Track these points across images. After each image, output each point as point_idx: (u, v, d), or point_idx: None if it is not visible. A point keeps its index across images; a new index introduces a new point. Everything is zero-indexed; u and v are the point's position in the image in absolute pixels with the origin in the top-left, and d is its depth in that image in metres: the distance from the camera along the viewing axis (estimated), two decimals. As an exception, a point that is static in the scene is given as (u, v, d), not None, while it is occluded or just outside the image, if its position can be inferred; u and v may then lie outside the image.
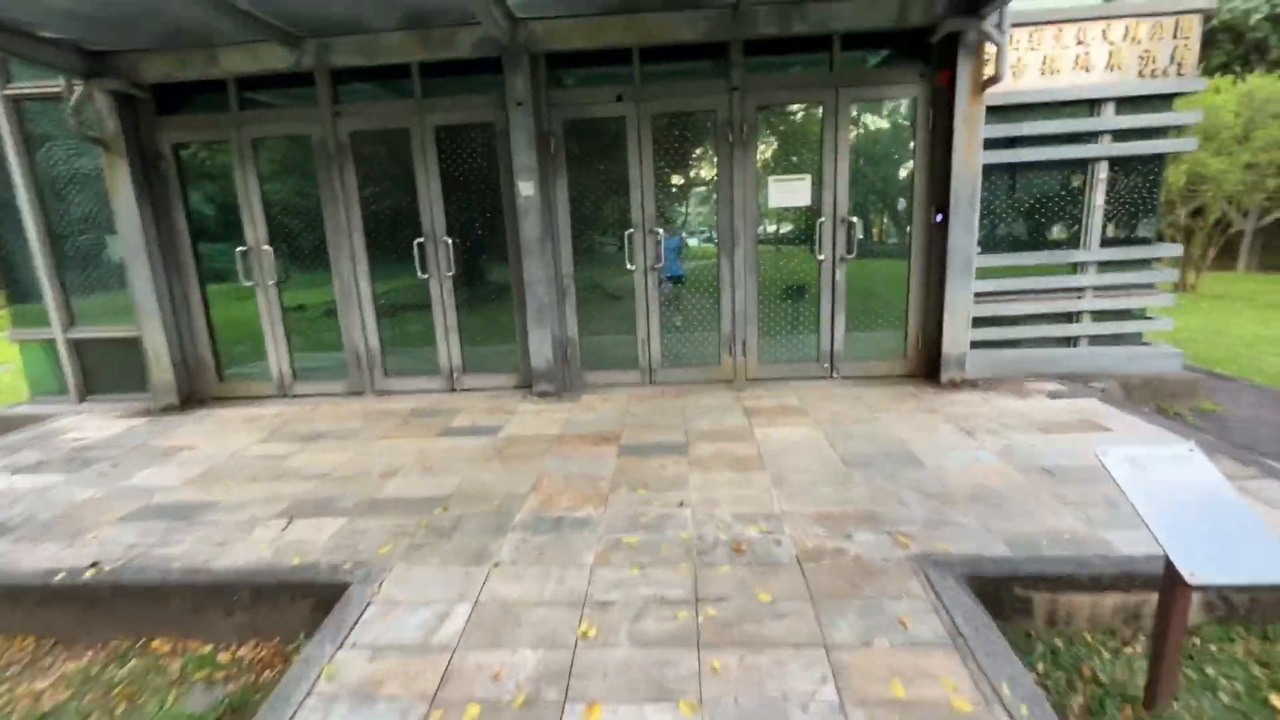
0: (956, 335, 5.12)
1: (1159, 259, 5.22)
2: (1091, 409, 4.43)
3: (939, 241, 5.18)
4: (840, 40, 4.98)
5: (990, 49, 4.71)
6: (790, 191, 5.26)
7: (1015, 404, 4.63)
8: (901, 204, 5.28)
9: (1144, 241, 5.20)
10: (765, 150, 5.27)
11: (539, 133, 5.09)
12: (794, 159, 5.28)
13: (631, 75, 5.12)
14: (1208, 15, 4.82)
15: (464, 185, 5.38)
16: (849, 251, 5.26)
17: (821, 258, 5.30)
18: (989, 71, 4.73)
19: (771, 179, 5.25)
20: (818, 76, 5.07)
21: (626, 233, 5.30)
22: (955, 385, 5.15)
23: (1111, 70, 4.90)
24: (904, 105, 5.10)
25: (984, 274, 5.16)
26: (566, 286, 5.47)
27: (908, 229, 5.26)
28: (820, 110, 5.11)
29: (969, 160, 4.86)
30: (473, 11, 4.25)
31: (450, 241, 5.38)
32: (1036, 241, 5.27)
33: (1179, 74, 4.86)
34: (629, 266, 5.35)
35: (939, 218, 5.13)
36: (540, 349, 5.32)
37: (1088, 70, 4.91)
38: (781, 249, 5.41)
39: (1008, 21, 4.52)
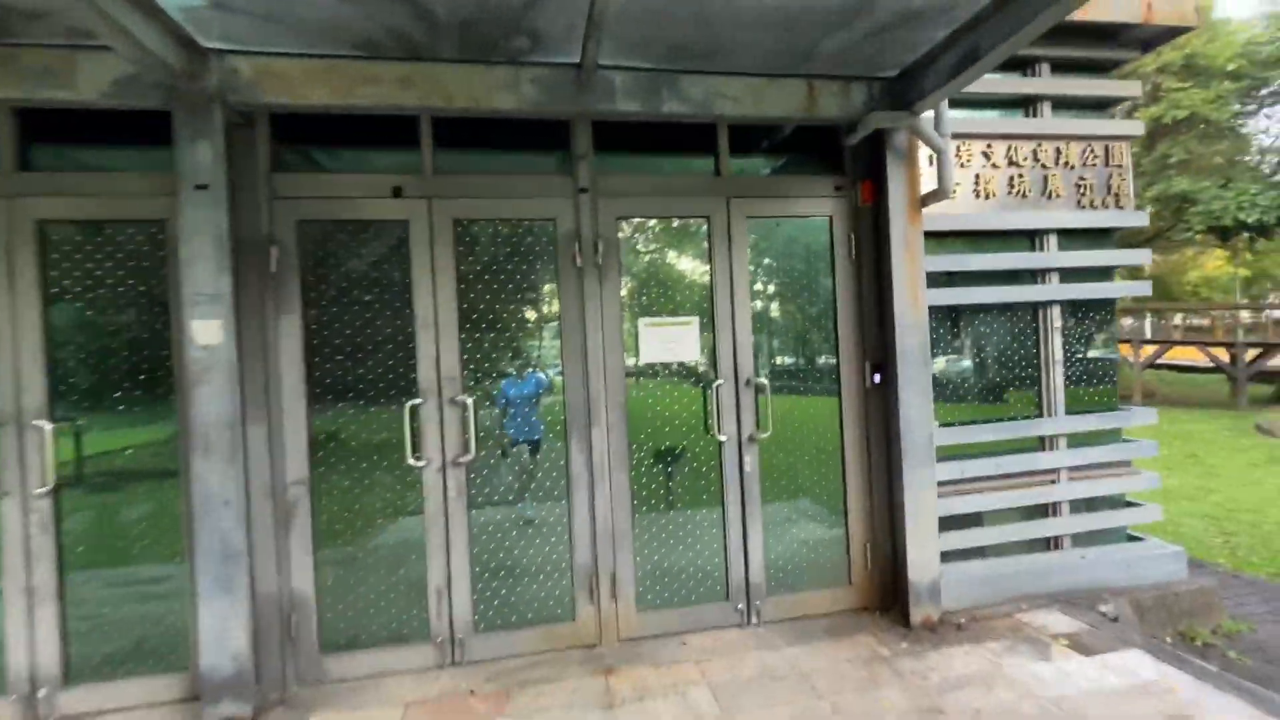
0: (924, 552, 3.43)
1: (1131, 429, 4.08)
2: (1156, 681, 2.81)
3: (880, 412, 3.62)
4: (729, 133, 3.54)
5: (926, 155, 3.50)
6: (670, 341, 3.48)
7: (1039, 671, 2.90)
8: (825, 358, 3.71)
9: (1107, 405, 4.06)
10: (634, 281, 3.52)
11: (242, 238, 2.90)
12: (675, 295, 3.57)
13: (419, 160, 3.22)
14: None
15: (92, 326, 2.93)
16: (760, 428, 3.51)
17: (722, 438, 3.48)
18: (928, 184, 3.48)
19: (643, 322, 3.46)
20: (702, 181, 3.54)
21: (409, 404, 3.11)
22: (932, 628, 3.37)
23: (1050, 197, 3.91)
24: (818, 225, 3.69)
25: (937, 454, 3.62)
26: (295, 502, 3.05)
27: (836, 392, 3.65)
28: (706, 226, 3.52)
29: (914, 301, 3.46)
30: (97, 28, 2.13)
31: (47, 428, 2.80)
32: (993, 408, 3.92)
33: (1118, 206, 3.99)
34: (413, 461, 3.11)
35: (876, 378, 3.60)
36: (225, 632, 2.74)
37: (1024, 196, 3.88)
38: (665, 426, 3.52)
39: (948, 122, 3.34)
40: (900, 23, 2.81)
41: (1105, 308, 4.09)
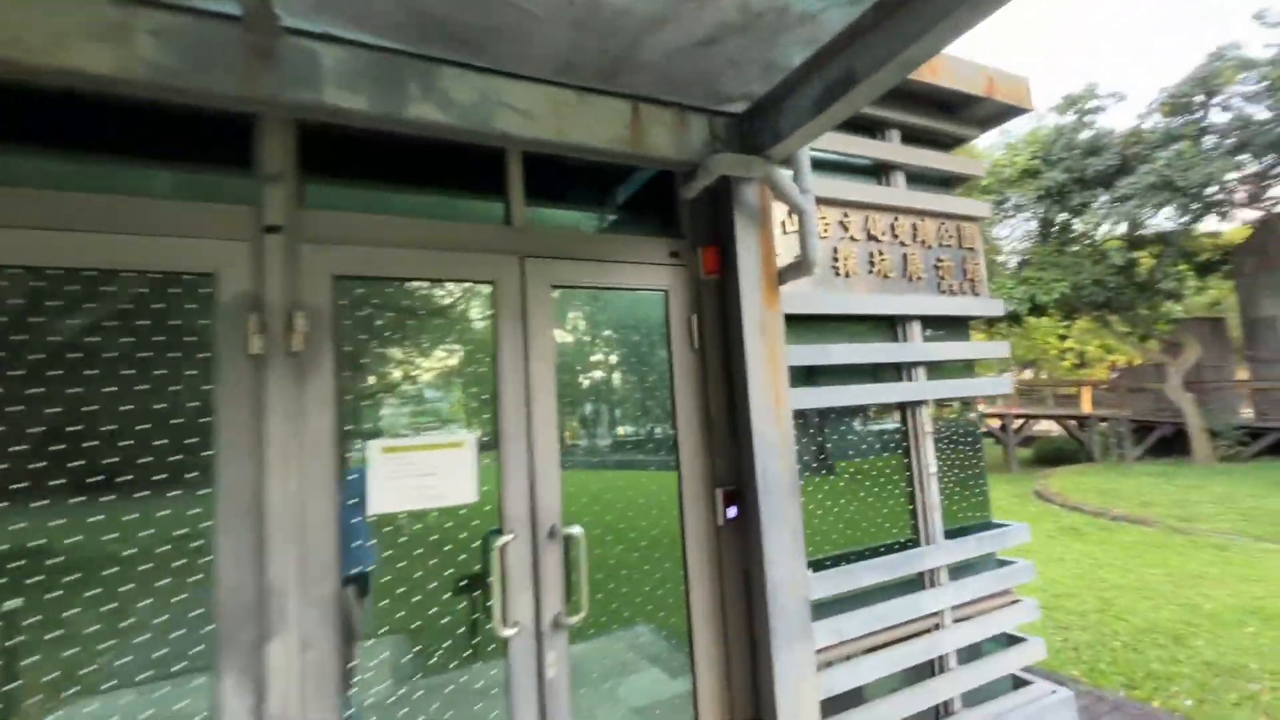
0: (808, 775, 2.36)
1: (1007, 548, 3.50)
2: None
3: (737, 560, 2.58)
4: (525, 166, 2.45)
5: (781, 218, 2.70)
6: (426, 476, 2.17)
7: None
8: (664, 487, 2.62)
9: (981, 518, 3.46)
10: (362, 378, 2.18)
11: None
12: (436, 400, 2.29)
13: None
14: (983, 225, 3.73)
15: None
16: (570, 604, 2.27)
17: (509, 631, 2.17)
18: (786, 255, 2.66)
19: (376, 447, 2.11)
20: (485, 233, 2.37)
21: None
22: None
23: (911, 279, 3.34)
24: (651, 302, 2.68)
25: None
26: None
27: (680, 532, 2.57)
28: (491, 294, 2.34)
29: (777, 408, 2.54)
30: None
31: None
32: (864, 533, 3.10)
33: (974, 292, 3.55)
34: None
35: (731, 512, 2.59)
36: None
37: (886, 276, 3.26)
38: (412, 618, 2.13)
39: (810, 176, 2.56)
40: (743, 25, 1.96)
41: (970, 405, 3.57)
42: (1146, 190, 13.57)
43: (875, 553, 3.05)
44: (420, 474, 2.16)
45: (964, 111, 3.59)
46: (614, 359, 2.61)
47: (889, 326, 3.35)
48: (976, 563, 3.34)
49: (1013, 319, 17.57)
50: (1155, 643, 5.21)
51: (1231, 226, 17.61)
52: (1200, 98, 14.24)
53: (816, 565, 2.84)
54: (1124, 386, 18.76)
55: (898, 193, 3.37)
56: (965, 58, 3.38)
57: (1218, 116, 14.25)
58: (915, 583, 3.11)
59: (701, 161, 2.45)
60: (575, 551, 2.28)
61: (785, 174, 2.48)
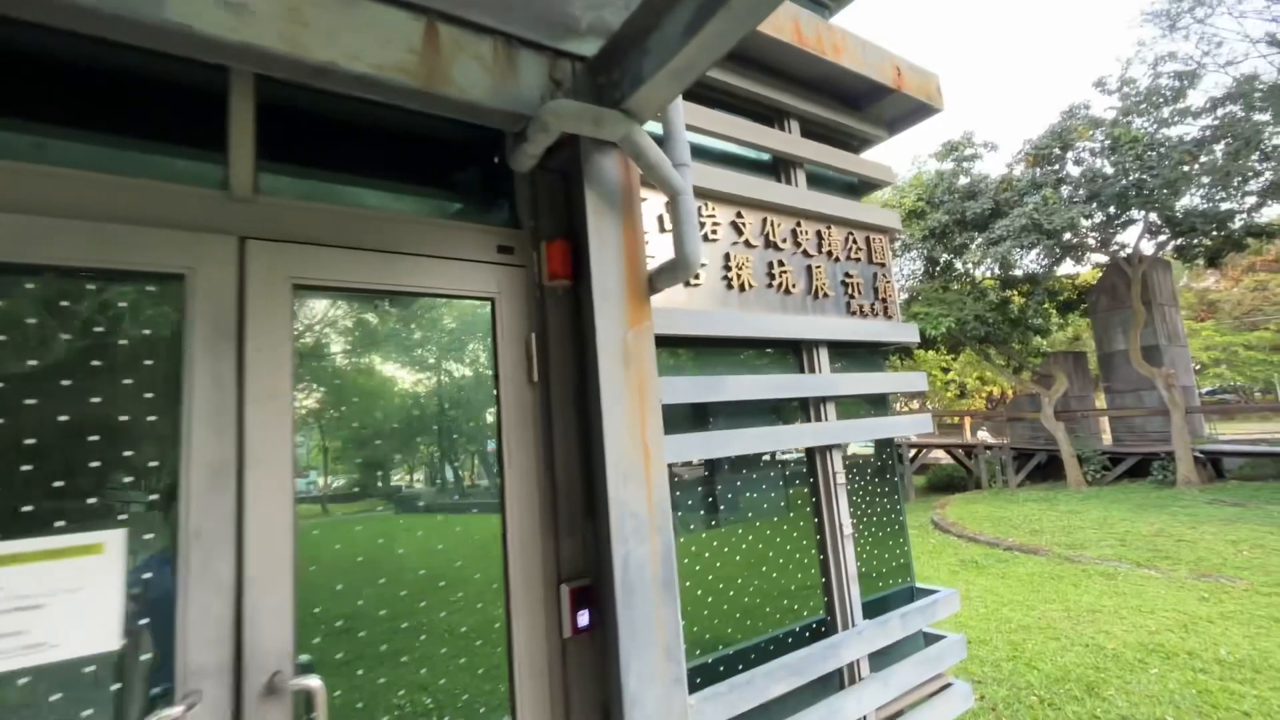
0: None
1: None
2: None
3: (591, 687, 1.77)
4: (257, 102, 1.59)
5: (660, 204, 2.00)
6: (14, 611, 1.21)
7: None
8: (482, 576, 1.77)
9: (902, 583, 2.87)
10: None
11: None
12: (77, 475, 1.33)
13: None
14: (893, 237, 3.25)
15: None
16: (301, 807, 1.35)
17: None
18: (659, 254, 1.95)
19: None
20: (181, 200, 1.47)
21: None
22: None
23: (817, 296, 2.75)
24: (472, 315, 1.87)
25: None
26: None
27: (506, 653, 1.72)
28: (183, 292, 1.44)
29: (646, 465, 1.78)
30: None
31: None
32: (767, 620, 2.39)
33: (886, 315, 3.02)
34: None
35: (584, 619, 1.78)
36: None
37: (788, 291, 2.65)
38: None
39: (686, 144, 1.87)
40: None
41: (888, 448, 3.01)
42: (1018, 232, 14.49)
43: (781, 645, 2.34)
44: (8, 608, 1.20)
45: (871, 106, 3.12)
46: (411, 399, 1.76)
47: (793, 353, 2.73)
48: (904, 642, 2.72)
49: (904, 352, 18.28)
50: (1070, 694, 4.89)
51: (1086, 269, 19.37)
52: (1058, 150, 15.56)
53: (704, 675, 2.08)
54: (1004, 416, 19.90)
55: (801, 193, 2.80)
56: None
57: (1073, 169, 15.61)
58: (831, 681, 2.42)
59: (535, 114, 1.70)
60: (313, 713, 1.37)
61: (649, 145, 1.78)
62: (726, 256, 2.47)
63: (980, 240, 16.63)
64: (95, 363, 1.35)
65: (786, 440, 2.43)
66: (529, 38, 1.77)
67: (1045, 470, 17.20)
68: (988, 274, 17.74)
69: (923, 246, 18.27)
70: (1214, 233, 14.41)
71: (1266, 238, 14.33)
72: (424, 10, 1.60)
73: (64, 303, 1.34)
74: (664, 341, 2.23)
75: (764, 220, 2.65)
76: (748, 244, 2.56)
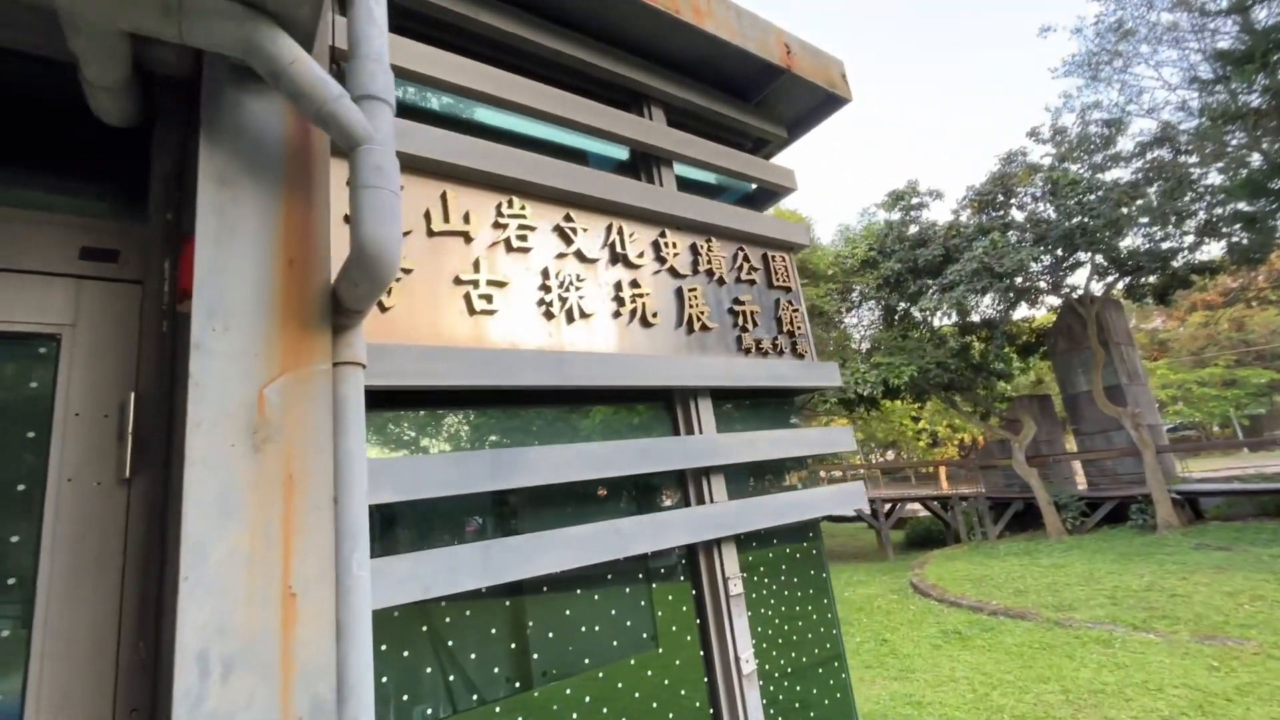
0: None
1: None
2: None
3: None
4: None
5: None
6: None
7: None
8: None
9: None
10: None
11: None
12: None
13: None
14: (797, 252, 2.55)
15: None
16: None
17: None
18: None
19: None
20: None
21: None
22: None
23: (693, 329, 2.00)
24: (19, 372, 1.05)
25: None
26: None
27: None
28: None
29: (288, 637, 0.94)
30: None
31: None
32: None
33: (796, 353, 2.28)
34: None
35: None
36: None
37: (647, 323, 1.89)
38: None
39: (376, 54, 1.14)
40: None
41: (809, 530, 2.20)
42: (970, 276, 14.35)
43: None
44: None
45: (763, 96, 2.50)
46: None
47: (665, 408, 1.96)
48: (843, 832, 1.83)
49: (870, 403, 17.76)
50: (1083, 819, 3.94)
51: (1041, 312, 19.41)
52: (1001, 196, 15.72)
53: None
54: (976, 464, 19.34)
55: (667, 195, 2.10)
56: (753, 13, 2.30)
57: (1017, 213, 15.75)
58: None
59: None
60: None
61: (304, 55, 1.04)
62: (545, 273, 1.72)
63: (934, 286, 16.51)
64: None
65: (641, 537, 1.62)
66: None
67: (1023, 519, 16.49)
68: (945, 320, 17.58)
69: (879, 295, 18.14)
70: (1159, 271, 14.47)
71: (1209, 274, 14.41)
72: None
73: None
74: (421, 398, 1.43)
75: (609, 227, 1.92)
76: (581, 257, 1.82)
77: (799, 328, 2.35)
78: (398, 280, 1.45)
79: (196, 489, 0.92)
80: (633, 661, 1.66)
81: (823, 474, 24.54)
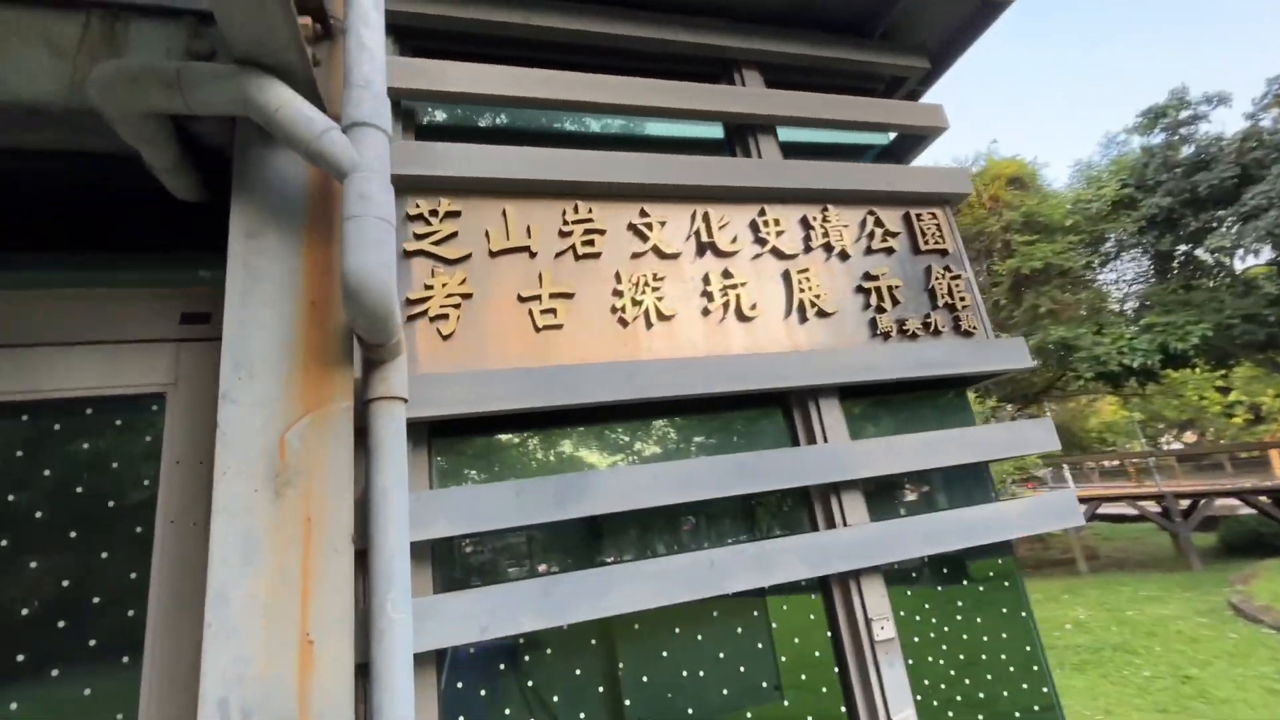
0: None
1: None
2: None
3: None
4: None
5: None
6: None
7: None
8: None
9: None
10: None
11: None
12: None
13: None
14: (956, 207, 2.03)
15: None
16: None
17: None
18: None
19: None
20: None
21: None
22: None
23: (807, 318, 1.69)
24: (134, 430, 1.23)
25: None
26: None
27: None
28: None
29: (305, 686, 0.92)
30: None
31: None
32: None
33: (961, 330, 1.80)
34: None
35: None
36: None
37: (744, 317, 1.63)
38: None
39: (365, 76, 1.09)
40: None
41: (997, 557, 1.72)
42: (1288, 195, 10.80)
43: None
44: None
45: (885, 25, 2.06)
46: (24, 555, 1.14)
47: (782, 413, 1.68)
48: None
49: (1144, 375, 14.28)
50: None
51: None
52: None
53: None
54: (1324, 445, 14.44)
55: (766, 167, 1.82)
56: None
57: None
58: None
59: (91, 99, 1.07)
60: None
61: (293, 98, 1.04)
62: (617, 277, 1.58)
63: (1229, 218, 12.78)
64: None
65: (739, 571, 1.37)
66: (149, 2, 1.17)
67: None
68: (1252, 259, 13.46)
69: (1143, 241, 14.61)
70: None
71: None
72: (-48, -8, 1.09)
73: None
74: (479, 425, 1.38)
75: (694, 215, 1.71)
76: (660, 253, 1.64)
77: (962, 299, 1.86)
78: (456, 306, 1.42)
79: (220, 536, 0.95)
80: (750, 715, 1.41)
81: (1082, 467, 20.32)
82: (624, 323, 1.54)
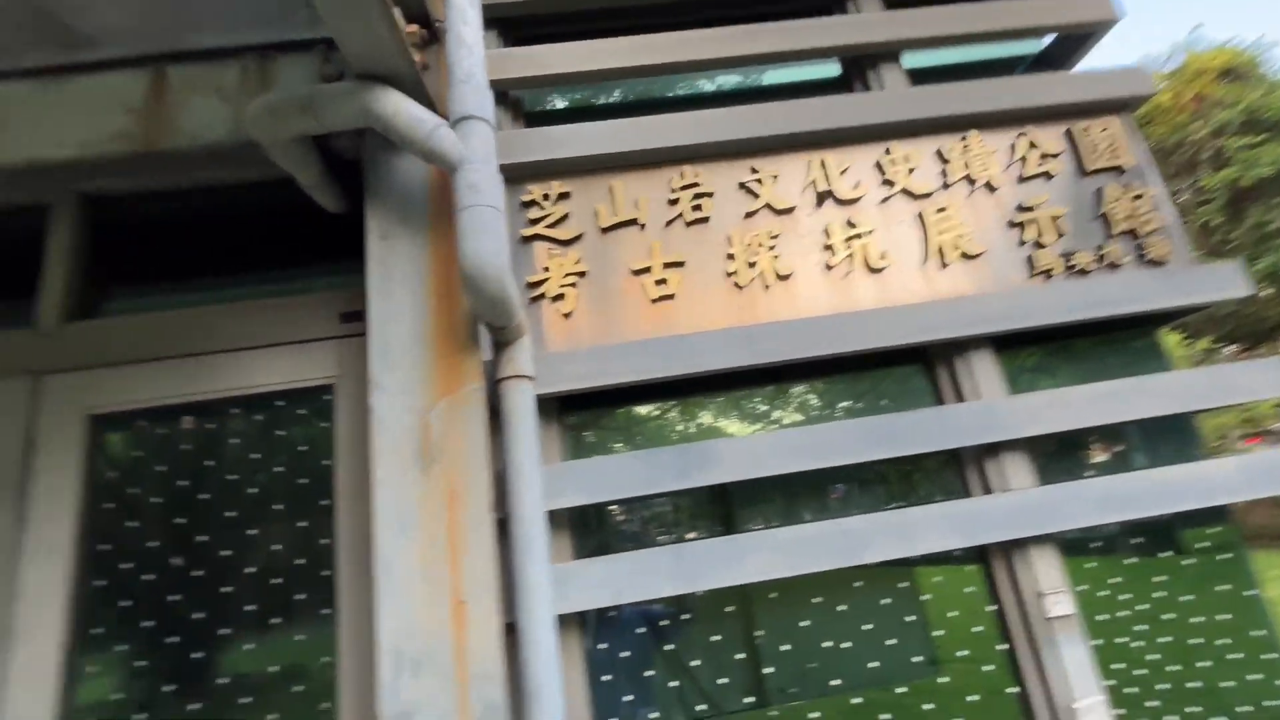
0: None
1: None
2: None
3: None
4: (77, 229, 1.49)
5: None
6: None
7: None
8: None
9: None
10: None
11: None
12: None
13: None
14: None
15: None
16: None
17: None
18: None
19: None
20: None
21: None
22: None
23: (946, 263, 1.51)
24: (312, 418, 1.43)
25: None
26: None
27: None
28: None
29: (462, 641, 1.02)
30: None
31: None
32: None
33: (1148, 259, 1.51)
34: None
35: None
36: None
37: (874, 269, 1.50)
38: None
39: (468, 71, 1.14)
40: None
41: (1210, 524, 1.45)
42: None
43: None
44: None
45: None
46: (224, 543, 1.37)
47: (924, 370, 1.54)
48: None
49: None
50: None
51: None
52: None
53: None
54: None
55: (889, 99, 1.64)
56: None
57: None
58: None
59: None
60: None
61: (406, 103, 1.11)
62: (729, 240, 1.52)
63: None
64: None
65: (877, 541, 1.28)
66: (289, 37, 1.32)
67: None
68: None
69: None
70: None
71: None
72: (147, 60, 1.30)
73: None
74: (603, 398, 1.42)
75: (809, 164, 1.59)
76: (773, 210, 1.55)
77: (1147, 222, 1.56)
78: (573, 285, 1.46)
79: (383, 508, 1.07)
80: (902, 690, 1.33)
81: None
82: (739, 286, 1.49)
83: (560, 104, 1.78)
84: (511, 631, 1.10)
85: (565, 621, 1.24)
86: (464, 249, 1.02)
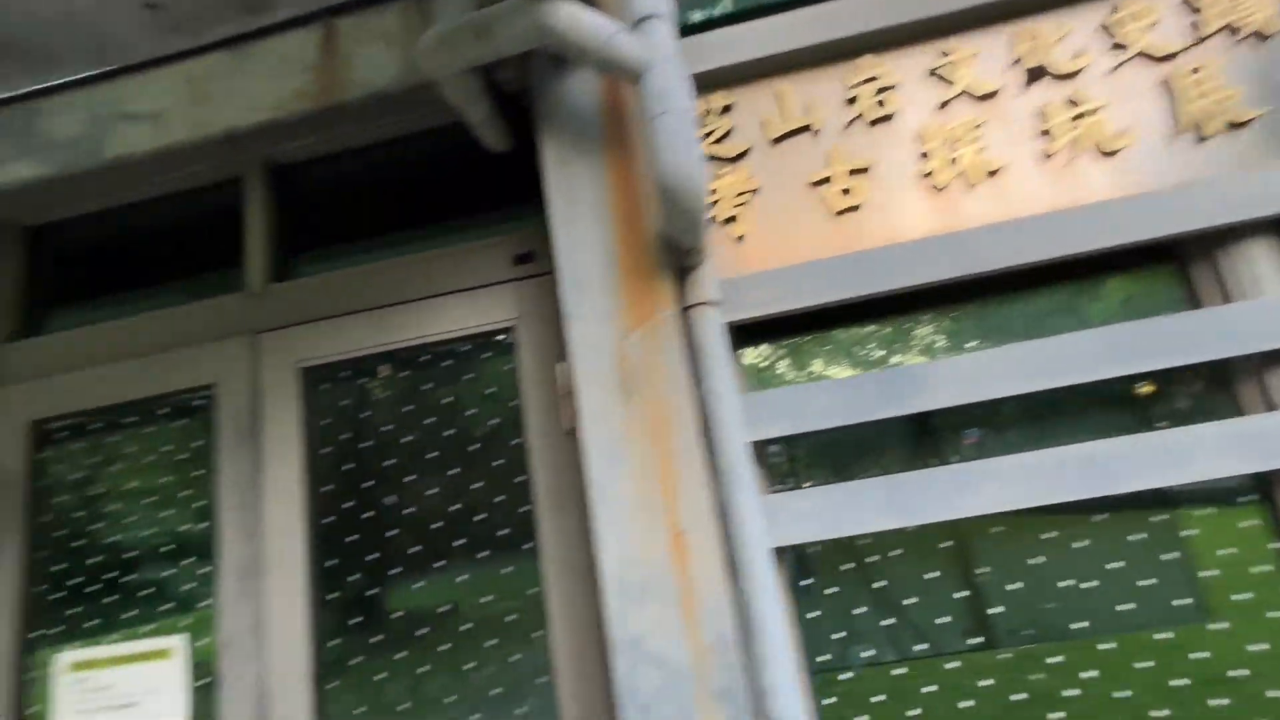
0: None
1: None
2: None
3: None
4: (272, 192, 1.59)
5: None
6: (121, 708, 1.39)
7: None
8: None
9: None
10: (61, 551, 1.56)
11: None
12: (156, 583, 1.53)
13: None
14: None
15: None
16: None
17: None
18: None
19: (66, 660, 1.44)
20: (204, 312, 1.58)
21: None
22: None
23: (1204, 136, 1.24)
24: (495, 361, 1.46)
25: None
26: None
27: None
28: (212, 401, 1.50)
29: (684, 571, 0.99)
30: None
31: None
32: None
33: None
34: None
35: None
36: None
37: (1105, 153, 1.26)
38: None
39: None
40: None
41: None
42: None
43: None
44: (116, 705, 1.40)
45: None
46: (425, 478, 1.43)
47: (1177, 271, 1.29)
48: None
49: None
50: None
51: None
52: None
53: None
54: None
55: (1113, -54, 1.35)
56: None
57: None
58: None
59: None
60: None
61: (578, 11, 1.03)
62: (920, 137, 1.34)
63: None
64: (172, 483, 1.50)
65: (1125, 469, 1.10)
66: (445, -28, 1.28)
67: None
68: None
69: None
70: None
71: None
72: (316, 16, 1.32)
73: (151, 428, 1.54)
74: (790, 324, 1.31)
75: (1014, 37, 1.35)
76: (972, 96, 1.34)
77: None
78: (745, 205, 1.35)
79: (590, 440, 1.05)
80: (1164, 636, 1.16)
81: None
82: (937, 189, 1.31)
83: (711, 11, 1.64)
84: (729, 564, 1.06)
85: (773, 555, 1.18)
86: (662, 160, 0.94)
